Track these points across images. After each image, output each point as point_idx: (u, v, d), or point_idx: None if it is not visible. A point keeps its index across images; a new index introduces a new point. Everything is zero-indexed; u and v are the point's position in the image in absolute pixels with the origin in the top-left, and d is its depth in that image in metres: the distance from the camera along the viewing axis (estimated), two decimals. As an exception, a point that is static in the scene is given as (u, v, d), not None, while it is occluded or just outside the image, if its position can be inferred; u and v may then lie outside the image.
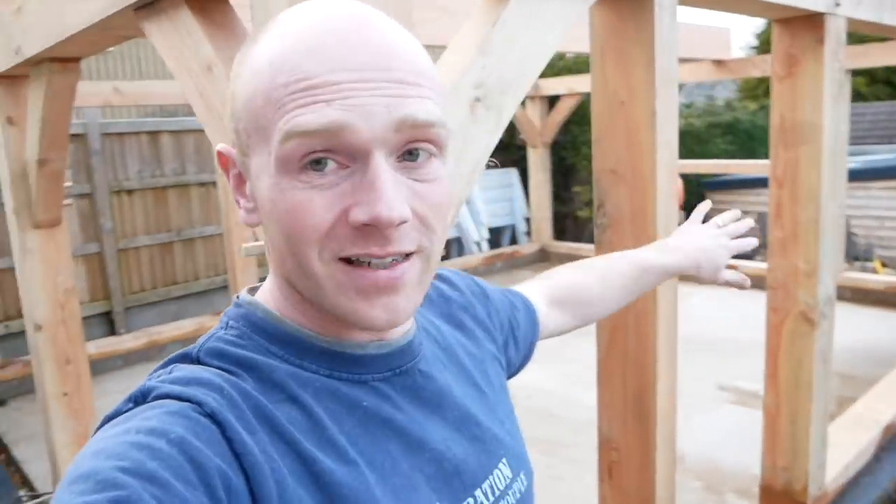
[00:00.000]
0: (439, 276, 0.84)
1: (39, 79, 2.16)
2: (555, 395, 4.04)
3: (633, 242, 1.53)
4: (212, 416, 0.50)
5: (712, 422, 3.65)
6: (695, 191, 10.03)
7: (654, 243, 1.17)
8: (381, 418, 0.60)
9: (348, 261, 0.54)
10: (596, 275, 1.05)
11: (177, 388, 0.52)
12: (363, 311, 0.55)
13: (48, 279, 2.55)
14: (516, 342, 0.88)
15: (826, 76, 2.09)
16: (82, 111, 5.36)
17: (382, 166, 0.52)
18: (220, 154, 0.60)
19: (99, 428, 0.51)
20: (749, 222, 1.18)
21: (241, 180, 0.59)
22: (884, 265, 7.35)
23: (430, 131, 0.54)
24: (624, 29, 1.45)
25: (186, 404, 0.51)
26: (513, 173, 8.72)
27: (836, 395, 3.85)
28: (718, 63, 5.59)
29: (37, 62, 2.10)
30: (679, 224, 1.21)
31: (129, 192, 5.58)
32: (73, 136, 5.27)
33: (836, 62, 2.14)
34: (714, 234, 1.14)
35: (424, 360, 0.66)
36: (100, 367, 4.87)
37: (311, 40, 0.52)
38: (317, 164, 0.52)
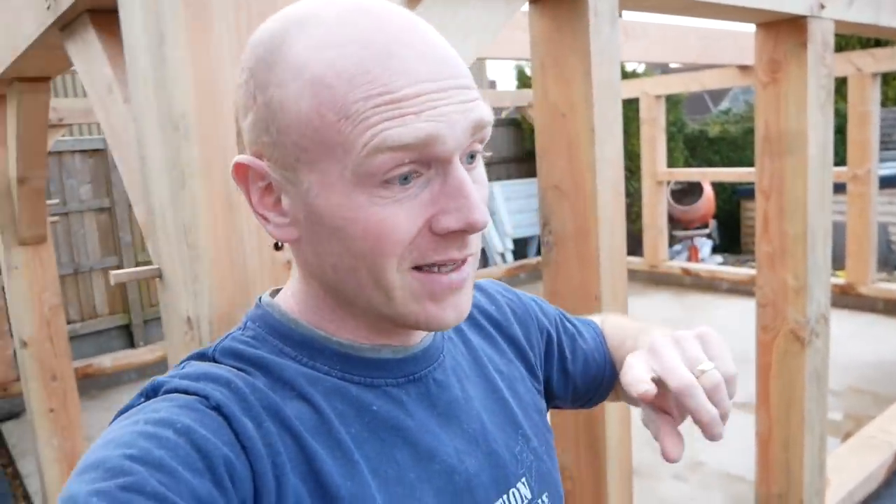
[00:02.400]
0: (479, 288, 0.80)
1: (13, 98, 2.18)
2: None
3: (578, 263, 1.46)
4: (218, 409, 0.51)
5: (728, 436, 3.51)
6: (730, 199, 9.79)
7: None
8: (391, 424, 0.59)
9: (419, 268, 0.54)
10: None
11: (185, 383, 0.53)
12: (433, 313, 0.56)
13: (34, 295, 2.57)
14: (564, 372, 0.82)
15: (811, 82, 1.98)
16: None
17: (464, 172, 0.52)
18: (239, 165, 0.56)
19: (112, 422, 0.53)
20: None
21: (268, 193, 0.56)
22: (924, 275, 7.02)
23: (487, 130, 0.55)
24: (560, 38, 1.38)
25: (194, 398, 0.52)
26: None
27: (856, 414, 3.67)
28: (744, 68, 5.43)
29: (9, 82, 2.12)
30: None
31: (149, 205, 5.67)
32: (94, 151, 5.39)
33: (823, 67, 2.03)
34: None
35: (442, 368, 0.65)
36: (115, 379, 4.94)
37: (381, 49, 0.50)
38: (403, 178, 0.51)
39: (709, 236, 8.49)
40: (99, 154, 5.40)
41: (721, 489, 3.08)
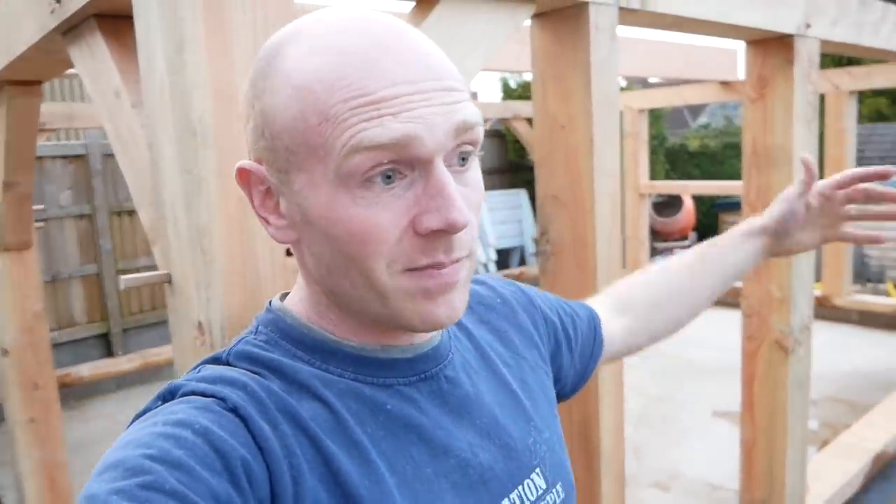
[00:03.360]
0: (481, 282, 0.83)
1: (3, 102, 2.16)
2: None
3: (576, 272, 1.48)
4: (234, 411, 0.52)
5: (708, 445, 3.57)
6: (709, 212, 9.94)
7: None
8: (405, 422, 0.60)
9: (411, 270, 0.55)
10: (659, 271, 1.03)
11: (203, 386, 0.54)
12: (427, 310, 0.56)
13: (16, 303, 2.53)
14: (571, 352, 0.86)
15: (797, 99, 2.03)
16: (84, 132, 5.40)
17: (446, 173, 0.53)
18: (242, 170, 0.59)
19: (130, 425, 0.54)
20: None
21: (268, 197, 0.59)
22: (896, 287, 7.17)
23: (475, 132, 0.56)
24: (561, 51, 1.41)
25: (211, 399, 0.53)
26: (522, 194, 8.68)
27: (833, 423, 3.74)
28: (725, 84, 5.53)
29: (0, 85, 2.11)
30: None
31: (130, 212, 5.61)
32: (74, 157, 5.33)
33: (809, 84, 2.08)
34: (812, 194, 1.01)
35: (451, 365, 0.66)
36: (94, 389, 4.87)
37: (361, 55, 0.52)
38: (386, 177, 0.53)
39: (689, 248, 8.59)
40: (80, 160, 5.35)
41: (702, 497, 3.12)
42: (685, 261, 1.03)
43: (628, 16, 1.46)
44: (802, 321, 2.19)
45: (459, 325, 0.73)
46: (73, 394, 4.77)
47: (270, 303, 0.65)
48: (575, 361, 0.87)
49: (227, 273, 0.93)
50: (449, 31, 1.17)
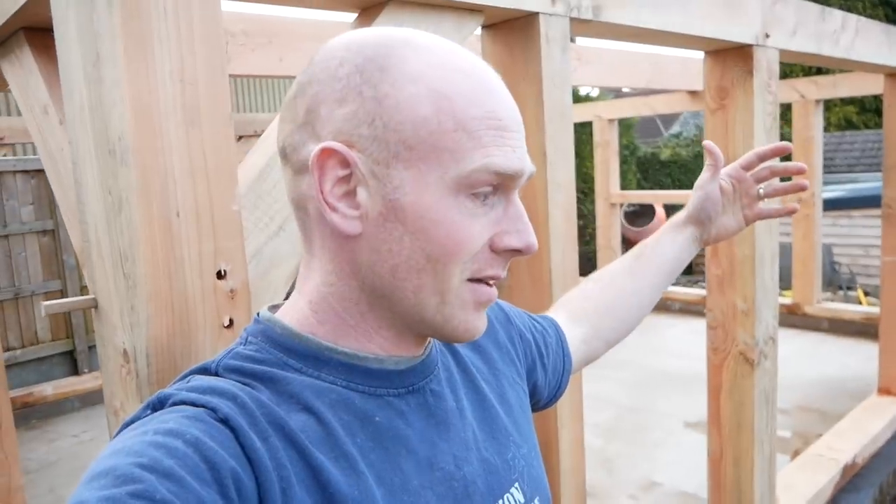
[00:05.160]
0: None
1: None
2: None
3: (531, 286, 1.45)
4: (225, 422, 0.52)
5: (680, 455, 3.54)
6: (680, 220, 10.01)
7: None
8: (394, 434, 0.61)
9: (472, 280, 0.60)
10: (603, 278, 1.05)
11: (193, 395, 0.55)
12: (472, 321, 0.61)
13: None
14: (545, 368, 0.88)
15: (757, 108, 2.03)
16: (47, 147, 5.29)
17: (521, 204, 0.61)
18: (326, 150, 0.57)
19: (118, 433, 0.54)
20: (799, 165, 1.04)
21: (341, 183, 0.58)
22: (866, 294, 7.25)
23: None
24: (512, 62, 1.39)
25: (202, 409, 0.53)
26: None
27: (804, 432, 3.74)
28: (693, 94, 5.56)
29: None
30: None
31: (96, 227, 5.50)
32: (37, 171, 5.22)
33: (768, 94, 2.07)
34: (726, 174, 1.05)
35: (437, 380, 0.67)
36: (58, 408, 4.76)
37: (487, 83, 0.58)
38: (485, 196, 0.58)
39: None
40: (42, 174, 5.23)
41: (675, 509, 3.09)
42: (624, 263, 1.05)
43: (581, 26, 1.43)
44: (767, 333, 2.18)
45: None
46: (37, 413, 4.66)
47: (259, 314, 0.65)
48: (549, 377, 0.89)
49: (151, 299, 0.88)
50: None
